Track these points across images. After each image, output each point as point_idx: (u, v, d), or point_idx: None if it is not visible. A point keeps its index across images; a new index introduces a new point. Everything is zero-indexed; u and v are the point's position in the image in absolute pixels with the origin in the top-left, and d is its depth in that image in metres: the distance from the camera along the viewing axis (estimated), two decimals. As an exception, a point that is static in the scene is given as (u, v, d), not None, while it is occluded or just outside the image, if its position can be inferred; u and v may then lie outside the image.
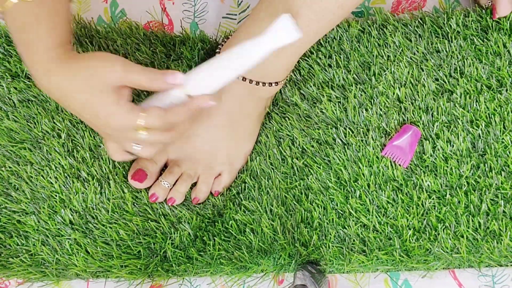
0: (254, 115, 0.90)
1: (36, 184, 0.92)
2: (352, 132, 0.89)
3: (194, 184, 0.91)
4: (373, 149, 0.88)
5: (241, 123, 0.89)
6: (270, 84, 0.87)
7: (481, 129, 0.87)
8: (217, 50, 0.90)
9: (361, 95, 0.90)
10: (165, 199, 0.90)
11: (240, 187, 0.91)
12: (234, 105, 0.87)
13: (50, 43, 0.70)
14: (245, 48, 0.72)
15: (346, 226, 0.86)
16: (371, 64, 0.92)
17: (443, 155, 0.87)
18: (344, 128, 0.89)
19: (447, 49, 0.91)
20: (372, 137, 0.88)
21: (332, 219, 0.86)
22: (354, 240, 0.85)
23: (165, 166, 0.92)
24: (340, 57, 0.93)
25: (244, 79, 0.85)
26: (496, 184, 0.85)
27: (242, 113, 0.89)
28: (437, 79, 0.91)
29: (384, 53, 0.92)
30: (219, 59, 0.73)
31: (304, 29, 0.80)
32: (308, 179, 0.88)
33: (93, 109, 0.69)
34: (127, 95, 0.71)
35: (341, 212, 0.87)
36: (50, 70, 0.69)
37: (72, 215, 0.90)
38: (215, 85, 0.74)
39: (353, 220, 0.86)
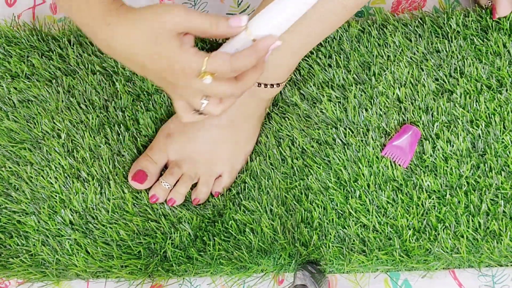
0: (255, 116, 0.90)
1: (36, 185, 0.92)
2: (352, 132, 0.89)
3: (194, 185, 0.91)
4: (373, 149, 0.88)
5: (242, 124, 0.89)
6: (272, 85, 0.87)
7: (481, 129, 0.87)
8: None
9: (361, 95, 0.90)
10: (165, 199, 0.90)
11: (240, 187, 0.91)
12: (236, 106, 0.87)
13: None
14: None
15: (346, 226, 0.86)
16: (371, 64, 0.92)
17: (443, 155, 0.87)
18: (344, 128, 0.89)
19: (447, 49, 0.91)
20: (372, 137, 0.88)
21: (332, 219, 0.86)
22: (354, 240, 0.85)
23: (165, 167, 0.92)
24: (340, 57, 0.93)
25: None
26: (496, 184, 0.85)
27: (243, 114, 0.89)
28: (437, 79, 0.90)
29: (384, 53, 0.92)
30: None
31: (307, 30, 0.80)
32: (308, 179, 0.88)
33: (157, 58, 0.67)
34: (190, 41, 0.68)
35: (341, 212, 0.87)
36: (111, 24, 0.67)
37: (72, 215, 0.90)
38: (281, 25, 0.71)
39: (353, 220, 0.86)
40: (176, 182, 0.90)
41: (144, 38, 0.66)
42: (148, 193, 0.90)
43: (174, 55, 0.66)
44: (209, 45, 0.98)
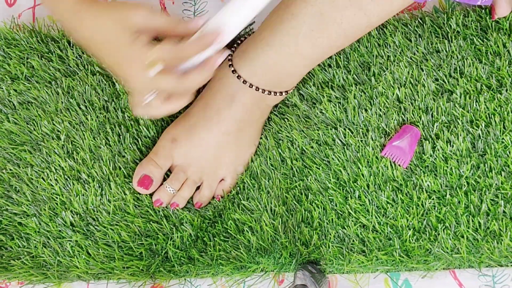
0: (260, 121, 0.91)
1: (37, 186, 0.92)
2: (352, 132, 0.89)
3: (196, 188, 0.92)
4: (373, 149, 0.88)
5: (246, 130, 0.90)
6: (281, 93, 0.87)
7: (481, 129, 0.86)
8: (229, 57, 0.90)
9: (361, 95, 0.90)
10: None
11: (239, 187, 0.91)
12: (243, 113, 0.88)
13: None
14: None
15: (346, 227, 0.86)
16: (371, 64, 0.92)
17: (443, 155, 0.87)
18: (344, 129, 0.89)
19: (447, 49, 0.91)
20: (372, 138, 0.88)
21: (332, 219, 0.87)
22: (353, 241, 0.85)
23: (168, 170, 0.92)
24: (340, 57, 0.93)
25: (257, 88, 0.86)
26: (496, 184, 0.85)
27: (249, 121, 0.89)
28: (437, 79, 0.90)
29: (384, 53, 0.92)
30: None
31: (328, 44, 0.82)
32: (307, 179, 0.88)
33: (113, 49, 0.72)
34: (146, 36, 0.72)
35: (341, 213, 0.87)
36: (79, 12, 0.72)
37: (73, 217, 0.90)
38: (235, 25, 0.76)
39: (352, 221, 0.86)
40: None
41: (105, 29, 0.71)
42: (151, 197, 0.91)
43: (127, 47, 0.71)
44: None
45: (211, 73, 0.75)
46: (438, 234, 0.84)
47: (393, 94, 0.90)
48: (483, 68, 0.89)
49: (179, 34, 0.74)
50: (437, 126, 0.88)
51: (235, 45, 0.91)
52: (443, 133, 0.87)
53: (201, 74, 0.74)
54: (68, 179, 0.92)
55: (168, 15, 1.02)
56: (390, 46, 0.92)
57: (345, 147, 0.89)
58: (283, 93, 0.88)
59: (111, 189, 0.91)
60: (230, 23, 0.75)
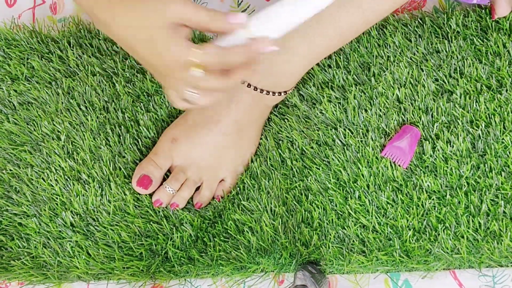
0: (259, 121, 0.91)
1: (37, 187, 0.92)
2: (352, 133, 0.89)
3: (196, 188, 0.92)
4: (373, 149, 0.88)
5: (246, 130, 0.90)
6: (280, 93, 0.87)
7: (481, 130, 0.86)
8: None
9: (361, 95, 0.90)
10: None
11: (239, 188, 0.91)
12: (242, 113, 0.88)
13: None
14: None
15: (346, 227, 0.86)
16: (370, 64, 0.92)
17: (443, 156, 0.86)
18: (344, 129, 0.89)
19: (447, 49, 0.91)
20: (372, 138, 0.88)
21: (332, 219, 0.87)
22: (353, 241, 0.85)
23: (168, 171, 0.92)
24: (340, 58, 0.93)
25: (255, 88, 0.86)
26: (496, 184, 0.84)
27: (248, 121, 0.89)
28: (437, 80, 0.90)
29: (384, 53, 0.92)
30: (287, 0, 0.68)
31: (326, 43, 0.82)
32: (307, 180, 0.88)
33: (150, 44, 0.67)
34: (185, 33, 0.68)
35: (341, 213, 0.87)
36: (112, 7, 0.68)
37: (73, 217, 0.90)
38: (281, 28, 0.69)
39: (352, 221, 0.86)
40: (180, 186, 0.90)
41: (140, 22, 0.66)
42: (151, 197, 0.91)
43: (166, 44, 0.66)
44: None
45: (253, 71, 0.70)
46: (438, 234, 0.84)
47: (393, 94, 0.90)
48: (483, 68, 0.89)
49: (219, 30, 0.68)
50: (437, 126, 0.88)
51: None
52: (443, 133, 0.87)
53: (243, 73, 0.69)
54: (68, 179, 0.92)
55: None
56: (390, 46, 0.92)
57: (345, 147, 0.89)
58: (282, 94, 0.88)
59: (111, 189, 0.91)
60: (277, 25, 0.68)
